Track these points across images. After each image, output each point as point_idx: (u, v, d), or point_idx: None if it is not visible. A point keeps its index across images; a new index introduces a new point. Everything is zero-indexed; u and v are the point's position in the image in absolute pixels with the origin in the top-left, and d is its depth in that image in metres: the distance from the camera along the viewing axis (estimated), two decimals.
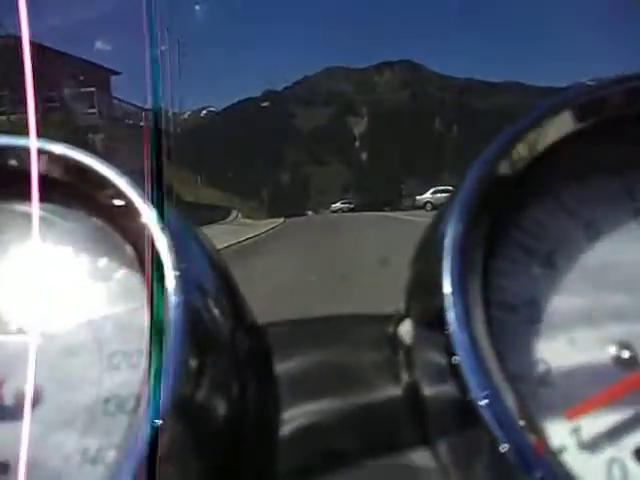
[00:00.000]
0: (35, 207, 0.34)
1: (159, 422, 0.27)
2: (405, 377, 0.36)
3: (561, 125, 0.37)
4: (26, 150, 0.37)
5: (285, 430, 0.37)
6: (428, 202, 35.44)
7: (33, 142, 0.35)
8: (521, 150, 0.36)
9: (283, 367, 0.38)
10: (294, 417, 0.37)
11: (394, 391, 0.37)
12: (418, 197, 39.72)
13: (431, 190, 39.85)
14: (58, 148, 0.36)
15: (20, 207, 0.39)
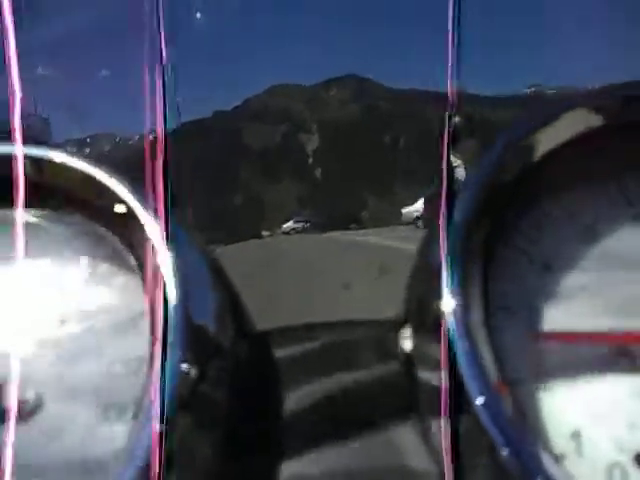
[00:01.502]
0: (25, 213, 0.34)
1: (159, 429, 0.27)
2: (405, 384, 0.37)
3: (559, 131, 0.39)
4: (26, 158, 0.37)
5: (287, 440, 0.37)
6: (292, 229, 32.50)
7: (19, 149, 0.34)
8: (518, 156, 0.38)
9: (282, 405, 0.38)
10: (295, 433, 0.37)
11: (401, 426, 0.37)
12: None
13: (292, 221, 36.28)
14: (58, 156, 0.35)
15: (24, 214, 0.38)
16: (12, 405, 0.31)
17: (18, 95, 0.29)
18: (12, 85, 0.29)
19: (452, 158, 0.37)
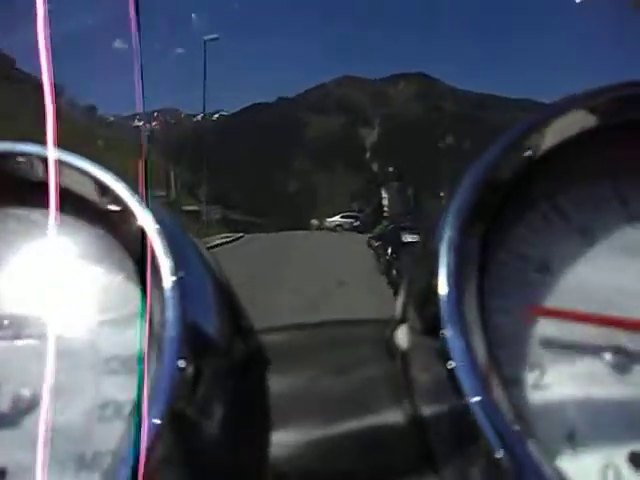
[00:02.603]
0: (51, 215, 0.34)
1: (155, 427, 0.27)
2: (401, 383, 0.37)
3: (554, 132, 0.38)
4: (28, 157, 0.37)
5: (279, 447, 0.37)
6: (338, 225, 33.09)
7: (51, 151, 0.35)
8: (514, 157, 0.37)
9: (278, 386, 0.38)
10: (288, 438, 0.37)
11: (395, 416, 0.37)
12: (329, 220, 35.70)
13: (339, 215, 36.36)
14: (54, 154, 0.35)
15: (21, 212, 0.39)
16: (21, 403, 0.32)
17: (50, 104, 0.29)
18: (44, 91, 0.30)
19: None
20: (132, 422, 0.28)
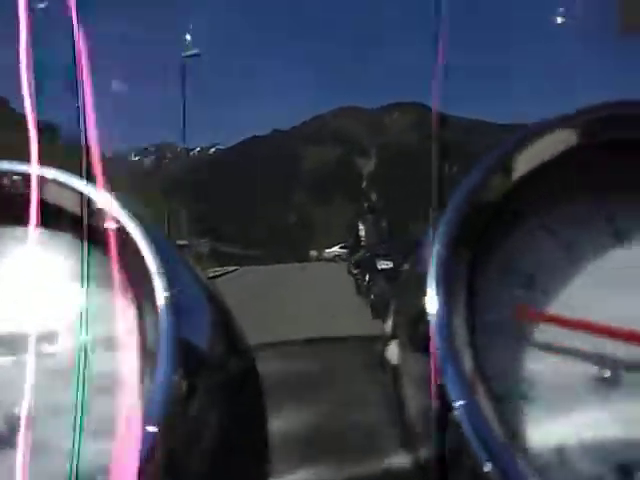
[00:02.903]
0: (32, 230, 0.34)
1: (150, 436, 0.27)
2: (393, 395, 0.38)
3: (538, 151, 0.39)
4: (21, 175, 0.38)
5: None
6: (337, 255, 32.04)
7: (34, 168, 0.35)
8: (501, 177, 0.38)
9: (272, 420, 0.38)
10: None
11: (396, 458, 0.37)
12: (327, 250, 35.68)
13: (338, 245, 35.35)
14: (49, 173, 0.36)
15: (14, 230, 0.39)
16: (15, 423, 0.31)
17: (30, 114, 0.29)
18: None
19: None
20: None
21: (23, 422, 0.31)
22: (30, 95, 0.31)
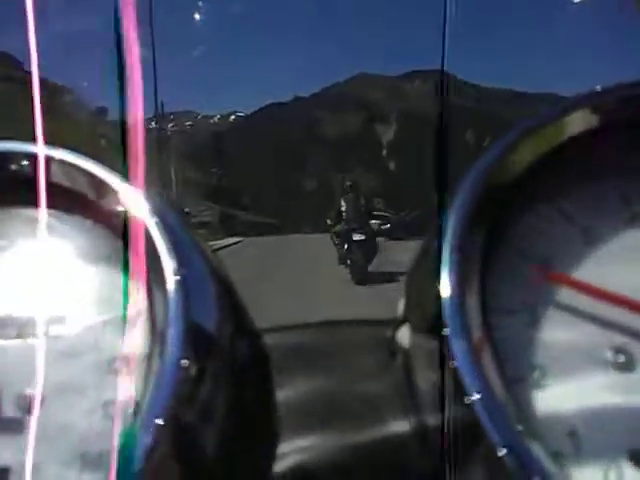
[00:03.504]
0: (42, 212, 0.34)
1: (159, 424, 0.28)
2: (403, 381, 0.38)
3: (557, 132, 0.39)
4: (31, 156, 0.38)
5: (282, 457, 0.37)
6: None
7: (41, 149, 0.35)
8: (516, 158, 0.39)
9: (282, 394, 0.39)
10: (292, 448, 0.38)
11: (400, 424, 0.38)
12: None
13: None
14: (58, 153, 0.36)
15: (24, 212, 0.40)
16: (25, 404, 0.32)
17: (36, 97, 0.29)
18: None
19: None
20: (134, 422, 0.28)
21: (36, 404, 0.32)
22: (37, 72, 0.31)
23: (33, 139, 0.34)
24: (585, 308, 0.36)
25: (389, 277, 8.34)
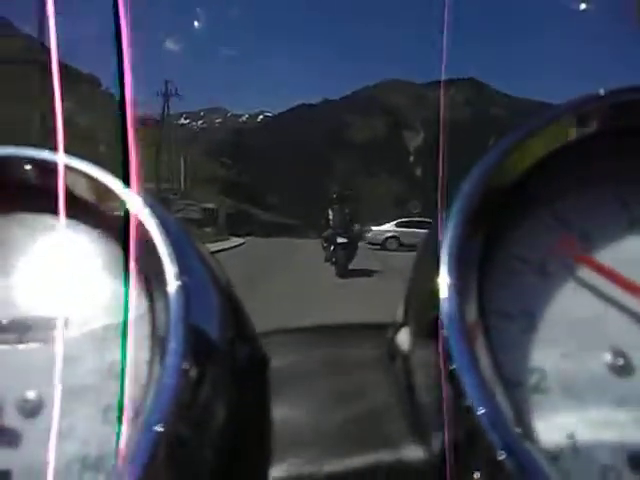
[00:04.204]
0: (62, 219, 0.34)
1: (159, 430, 0.27)
2: (402, 384, 0.37)
3: (555, 137, 0.38)
4: (34, 161, 0.38)
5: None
6: (391, 237, 21.06)
7: (61, 157, 0.35)
8: (515, 161, 0.37)
9: (281, 411, 0.38)
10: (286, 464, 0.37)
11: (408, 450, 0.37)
12: (375, 229, 22.25)
13: (394, 222, 23.18)
14: (61, 158, 0.36)
15: (25, 217, 0.39)
16: (26, 407, 0.32)
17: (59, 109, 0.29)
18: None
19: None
20: (136, 424, 0.28)
21: (55, 408, 0.32)
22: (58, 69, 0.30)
23: (51, 121, 0.33)
24: (584, 312, 0.35)
25: (365, 273, 9.70)
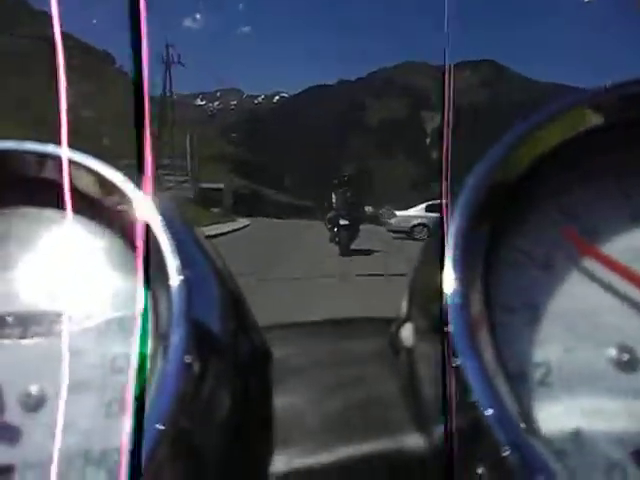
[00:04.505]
0: (50, 212, 0.34)
1: (161, 426, 0.27)
2: (406, 379, 0.37)
3: (560, 130, 0.37)
4: (39, 155, 0.38)
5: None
6: (419, 225, 17.06)
7: (64, 151, 0.35)
8: (521, 155, 0.37)
9: (283, 400, 0.39)
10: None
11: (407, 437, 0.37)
12: (399, 213, 18.57)
13: (423, 204, 18.90)
14: (65, 152, 0.36)
15: (25, 210, 0.40)
16: (28, 401, 0.33)
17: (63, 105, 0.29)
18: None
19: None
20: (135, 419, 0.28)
21: (60, 402, 0.32)
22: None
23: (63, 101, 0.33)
24: (589, 306, 0.35)
25: (366, 252, 10.58)
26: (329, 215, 11.10)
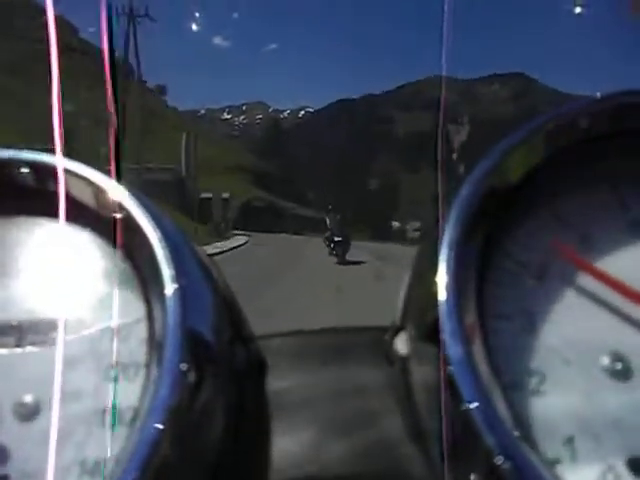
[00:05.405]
0: (42, 221, 0.34)
1: (157, 433, 0.27)
2: (401, 388, 0.37)
3: (554, 138, 0.37)
4: (32, 164, 0.38)
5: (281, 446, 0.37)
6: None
7: (59, 160, 0.35)
8: (515, 162, 0.37)
9: (279, 395, 0.38)
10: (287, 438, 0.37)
11: (397, 428, 0.37)
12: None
13: None
14: (57, 160, 0.36)
15: (19, 220, 0.40)
16: (23, 411, 0.32)
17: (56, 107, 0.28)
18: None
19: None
20: (133, 428, 0.28)
21: (54, 411, 0.32)
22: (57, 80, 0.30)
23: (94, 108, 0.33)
24: (583, 315, 0.34)
25: (358, 262, 13.50)
26: (326, 235, 14.36)
